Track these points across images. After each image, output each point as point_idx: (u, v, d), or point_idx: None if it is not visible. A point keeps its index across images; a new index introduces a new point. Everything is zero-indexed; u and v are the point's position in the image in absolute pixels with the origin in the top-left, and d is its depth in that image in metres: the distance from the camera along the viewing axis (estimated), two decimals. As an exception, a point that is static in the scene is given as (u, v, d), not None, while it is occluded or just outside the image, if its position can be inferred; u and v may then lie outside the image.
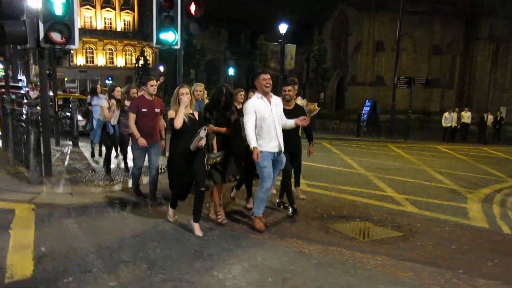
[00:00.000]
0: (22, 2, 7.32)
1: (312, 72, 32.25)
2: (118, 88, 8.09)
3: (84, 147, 11.83)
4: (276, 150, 5.13)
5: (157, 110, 6.34)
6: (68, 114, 13.73)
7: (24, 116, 7.78)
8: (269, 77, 5.12)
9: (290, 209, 5.99)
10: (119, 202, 6.41)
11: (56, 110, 12.20)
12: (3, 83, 18.75)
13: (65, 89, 37.09)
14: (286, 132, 5.38)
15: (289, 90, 6.02)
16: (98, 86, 11.01)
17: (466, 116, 21.21)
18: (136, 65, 51.66)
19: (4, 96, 11.31)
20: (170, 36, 9.31)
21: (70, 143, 12.33)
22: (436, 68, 33.32)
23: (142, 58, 51.01)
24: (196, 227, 5.06)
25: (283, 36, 27.45)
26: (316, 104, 7.47)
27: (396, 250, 4.89)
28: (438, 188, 8.61)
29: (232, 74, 22.60)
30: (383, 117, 24.05)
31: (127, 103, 7.56)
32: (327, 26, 36.32)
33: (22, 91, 21.59)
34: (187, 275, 3.91)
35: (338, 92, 35.89)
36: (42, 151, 7.24)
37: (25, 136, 7.45)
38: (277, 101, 5.29)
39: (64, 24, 7.16)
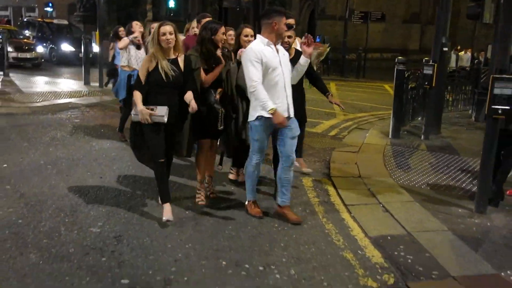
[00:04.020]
0: None
1: (269, 3, 35.13)
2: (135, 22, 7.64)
3: (14, 77, 15.33)
4: (285, 115, 4.66)
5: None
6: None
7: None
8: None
9: None
10: (40, 111, 10.10)
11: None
12: None
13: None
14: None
15: (289, 37, 5.42)
16: (121, 28, 8.31)
17: (466, 59, 20.36)
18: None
19: None
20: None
21: (1, 73, 15.71)
22: (415, 1, 36.64)
23: (87, -19, 52.59)
24: (166, 209, 4.75)
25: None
26: (327, 45, 7.27)
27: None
28: (319, 112, 12.35)
29: (173, 6, 24.06)
30: (352, 55, 27.48)
31: None
32: None
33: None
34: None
35: (309, 27, 39.06)
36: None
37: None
38: (282, 49, 4.89)
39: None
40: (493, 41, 10.02)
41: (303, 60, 4.83)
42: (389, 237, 4.63)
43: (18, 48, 18.67)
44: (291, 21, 4.95)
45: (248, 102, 4.96)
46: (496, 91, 4.76)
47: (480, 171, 5.23)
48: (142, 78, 4.60)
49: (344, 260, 4.16)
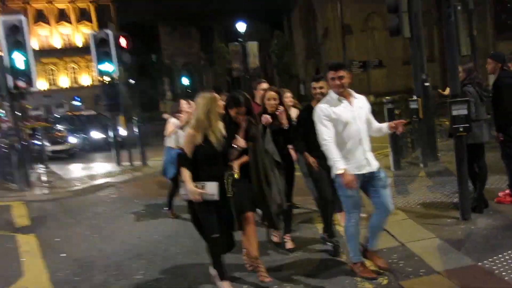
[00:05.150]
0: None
1: (275, 67, 36.90)
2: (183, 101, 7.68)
3: (54, 167, 16.57)
4: (363, 171, 4.48)
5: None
6: (37, 142, 18.40)
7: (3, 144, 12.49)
8: (342, 74, 4.35)
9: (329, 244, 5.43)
10: (81, 193, 11.13)
11: (26, 138, 16.79)
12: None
13: (27, 117, 41.53)
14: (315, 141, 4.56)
15: (320, 88, 5.14)
16: (184, 102, 7.72)
17: None
18: (104, 81, 56.26)
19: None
20: (109, 67, 14.09)
21: (42, 166, 16.95)
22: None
23: (108, 73, 55.48)
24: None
25: (242, 35, 32.04)
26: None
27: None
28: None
29: (188, 84, 25.59)
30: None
31: None
32: (295, 15, 41.10)
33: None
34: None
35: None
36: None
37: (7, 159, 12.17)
38: (361, 102, 4.60)
39: (26, 74, 11.87)
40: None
41: (386, 129, 4.75)
42: (385, 250, 5.27)
43: (53, 142, 20.11)
44: (331, 73, 4.42)
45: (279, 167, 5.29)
46: (454, 113, 5.51)
47: (458, 183, 5.89)
48: (189, 153, 4.38)
49: (346, 271, 4.83)
